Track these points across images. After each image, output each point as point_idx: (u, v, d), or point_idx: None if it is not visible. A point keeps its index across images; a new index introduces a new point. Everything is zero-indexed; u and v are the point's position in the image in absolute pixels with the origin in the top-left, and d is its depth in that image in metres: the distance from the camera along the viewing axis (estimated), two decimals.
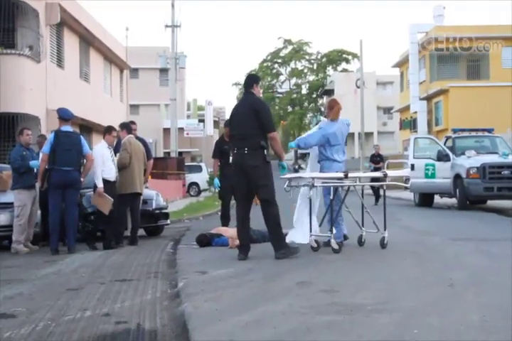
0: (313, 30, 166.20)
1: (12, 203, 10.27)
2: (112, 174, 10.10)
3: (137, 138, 11.15)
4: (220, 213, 11.94)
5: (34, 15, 17.67)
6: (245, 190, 7.67)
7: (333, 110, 8.82)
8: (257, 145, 7.41)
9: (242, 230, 7.76)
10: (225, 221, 11.05)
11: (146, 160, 11.00)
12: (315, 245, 7.99)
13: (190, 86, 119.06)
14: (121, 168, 10.41)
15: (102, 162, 9.97)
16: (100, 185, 9.86)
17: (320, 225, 8.41)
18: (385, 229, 8.15)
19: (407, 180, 9.06)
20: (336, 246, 7.76)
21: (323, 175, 8.25)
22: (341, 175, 8.01)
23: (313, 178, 8.01)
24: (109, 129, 10.50)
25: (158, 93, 51.40)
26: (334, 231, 7.97)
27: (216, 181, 10.97)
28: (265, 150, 7.46)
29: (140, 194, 10.75)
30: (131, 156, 10.45)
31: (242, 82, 8.01)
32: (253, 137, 7.45)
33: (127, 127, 10.89)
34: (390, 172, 8.79)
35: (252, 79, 8.02)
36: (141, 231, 11.49)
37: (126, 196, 10.41)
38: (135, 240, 10.53)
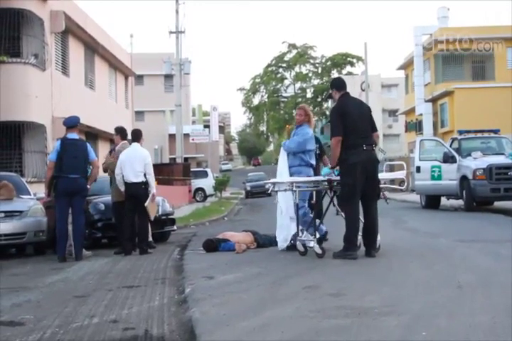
0: (317, 34, 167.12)
1: (19, 211, 10.34)
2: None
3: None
4: None
5: (39, 23, 17.72)
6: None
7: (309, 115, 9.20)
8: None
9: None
10: None
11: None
12: (302, 249, 7.97)
13: (195, 91, 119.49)
14: (104, 172, 10.91)
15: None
16: (154, 190, 10.21)
17: (307, 229, 8.22)
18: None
19: (402, 182, 8.84)
20: (319, 251, 7.62)
21: (303, 179, 8.20)
22: (325, 178, 7.92)
23: (292, 183, 7.96)
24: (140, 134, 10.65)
25: (163, 99, 51.46)
26: (317, 235, 7.87)
27: None
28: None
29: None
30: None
31: (338, 84, 8.29)
32: None
33: (122, 132, 10.86)
34: (381, 175, 8.43)
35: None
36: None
37: (119, 204, 10.36)
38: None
